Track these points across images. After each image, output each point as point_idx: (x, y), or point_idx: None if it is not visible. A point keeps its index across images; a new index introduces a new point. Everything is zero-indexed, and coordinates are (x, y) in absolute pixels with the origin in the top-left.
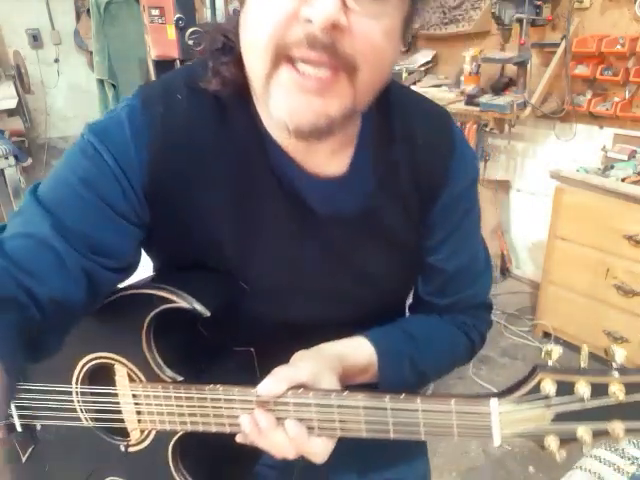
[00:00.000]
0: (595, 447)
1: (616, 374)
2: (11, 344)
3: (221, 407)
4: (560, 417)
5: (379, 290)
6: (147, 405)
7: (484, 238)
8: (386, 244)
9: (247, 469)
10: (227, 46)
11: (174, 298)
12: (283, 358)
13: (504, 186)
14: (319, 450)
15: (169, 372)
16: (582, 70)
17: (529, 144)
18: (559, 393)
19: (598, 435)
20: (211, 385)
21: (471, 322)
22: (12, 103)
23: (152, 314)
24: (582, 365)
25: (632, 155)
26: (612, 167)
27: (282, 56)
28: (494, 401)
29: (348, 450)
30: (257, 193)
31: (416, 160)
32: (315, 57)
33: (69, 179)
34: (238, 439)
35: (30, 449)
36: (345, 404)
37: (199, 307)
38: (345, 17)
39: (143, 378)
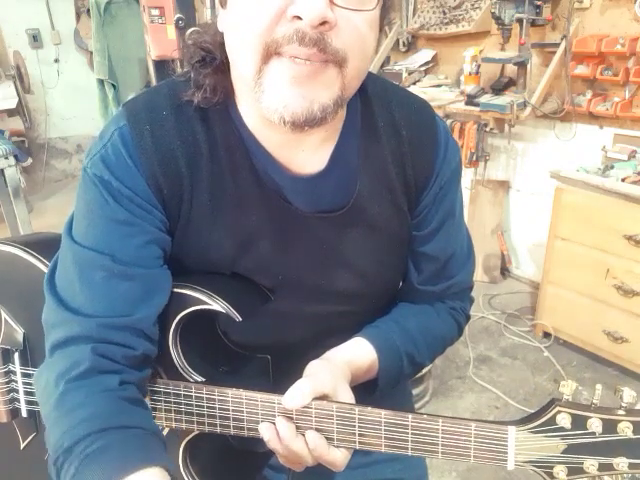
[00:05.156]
0: None
1: (626, 413)
2: (162, 446)
3: (242, 411)
4: (571, 449)
5: (370, 282)
6: (165, 403)
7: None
8: (374, 236)
9: (252, 474)
10: (207, 58)
11: (208, 300)
12: (287, 348)
13: (504, 186)
14: (338, 461)
15: (192, 372)
16: (582, 70)
17: (529, 144)
18: (573, 427)
19: (604, 469)
20: (234, 389)
21: (459, 306)
22: (12, 103)
23: (183, 313)
24: (595, 402)
25: (632, 155)
26: (612, 167)
27: (272, 52)
28: (512, 429)
29: None
30: (244, 196)
31: (402, 152)
32: (305, 53)
33: (94, 215)
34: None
35: (31, 436)
36: (367, 418)
37: (232, 311)
38: (332, 13)
39: (164, 375)
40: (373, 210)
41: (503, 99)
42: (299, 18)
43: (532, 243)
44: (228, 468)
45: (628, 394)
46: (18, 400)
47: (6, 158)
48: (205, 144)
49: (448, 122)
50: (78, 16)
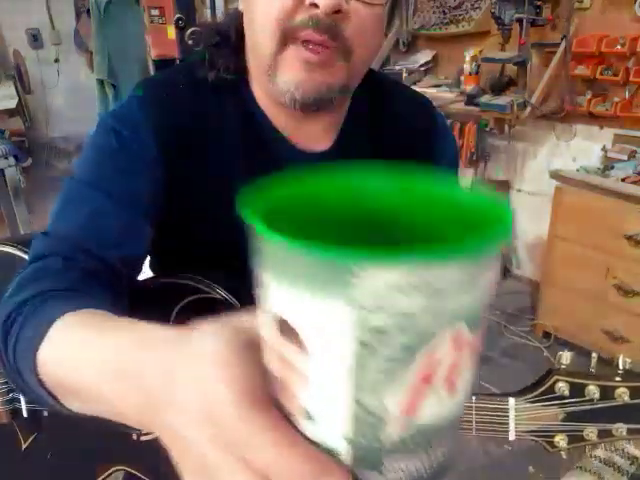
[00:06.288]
0: (595, 447)
1: (622, 379)
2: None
3: None
4: (570, 417)
5: None
6: None
7: None
8: None
9: None
10: (222, 41)
11: (206, 289)
12: None
13: (504, 186)
14: None
15: None
16: (582, 70)
17: (529, 144)
18: (572, 394)
19: (603, 435)
20: None
21: None
22: (12, 103)
23: (183, 303)
24: (592, 370)
25: (632, 155)
26: (612, 167)
27: (288, 37)
28: (512, 399)
29: None
30: (251, 169)
31: (402, 138)
32: (319, 38)
33: (100, 156)
34: None
35: (33, 437)
36: None
37: (231, 298)
38: (346, 4)
39: None
40: None
41: (503, 99)
42: (316, 6)
43: (532, 243)
44: None
45: (623, 361)
46: (18, 400)
47: (6, 158)
48: (216, 117)
49: (448, 122)
50: (78, 16)
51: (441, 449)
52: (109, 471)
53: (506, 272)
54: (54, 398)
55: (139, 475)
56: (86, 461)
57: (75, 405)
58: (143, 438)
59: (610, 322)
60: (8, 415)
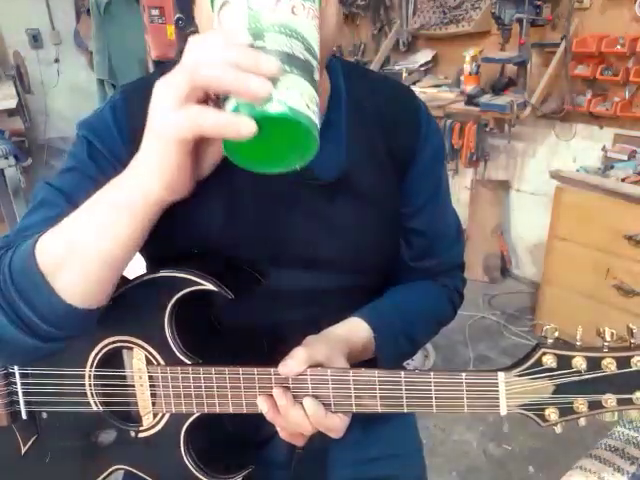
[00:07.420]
0: (595, 447)
1: (608, 350)
2: None
3: (240, 387)
4: (560, 389)
5: (362, 256)
6: (164, 388)
7: (487, 235)
8: (365, 208)
9: (253, 457)
10: None
11: (201, 281)
12: (282, 330)
13: (504, 186)
14: (336, 426)
15: (189, 355)
16: (582, 70)
17: (529, 144)
18: (559, 366)
19: (594, 407)
20: (230, 366)
21: (451, 283)
22: (12, 103)
23: (178, 296)
24: (578, 343)
25: (632, 155)
26: (612, 167)
27: None
28: (501, 374)
29: (345, 445)
30: (229, 164)
31: (386, 128)
32: None
33: (73, 165)
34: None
35: (32, 439)
36: (361, 379)
37: (225, 289)
38: None
39: (162, 361)
40: (363, 181)
41: (503, 99)
42: None
43: (532, 243)
44: (228, 452)
45: (609, 333)
46: (18, 402)
47: (6, 158)
48: None
49: (448, 122)
50: (78, 16)
51: (298, 50)
52: (108, 470)
53: (506, 272)
54: (47, 286)
55: (138, 473)
56: (85, 461)
57: (68, 272)
58: (141, 435)
59: (610, 322)
60: (8, 418)
